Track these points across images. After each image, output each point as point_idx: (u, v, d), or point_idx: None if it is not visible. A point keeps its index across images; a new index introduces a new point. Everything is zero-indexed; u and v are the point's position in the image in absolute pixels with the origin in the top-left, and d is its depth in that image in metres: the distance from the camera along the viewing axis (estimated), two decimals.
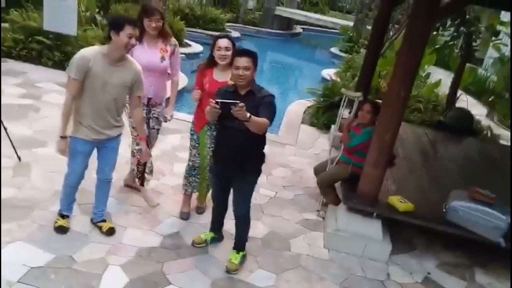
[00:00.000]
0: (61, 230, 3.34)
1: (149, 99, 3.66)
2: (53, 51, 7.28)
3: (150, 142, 3.81)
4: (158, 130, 3.92)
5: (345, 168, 4.11)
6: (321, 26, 20.86)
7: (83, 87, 2.95)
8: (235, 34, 15.33)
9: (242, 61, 2.97)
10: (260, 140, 3.12)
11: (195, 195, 4.00)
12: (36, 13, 7.73)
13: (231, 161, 3.13)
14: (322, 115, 7.08)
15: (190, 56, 10.43)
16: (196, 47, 11.31)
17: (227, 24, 15.69)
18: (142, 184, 3.99)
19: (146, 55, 3.51)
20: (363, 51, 11.46)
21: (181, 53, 10.35)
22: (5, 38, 7.29)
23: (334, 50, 15.93)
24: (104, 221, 3.49)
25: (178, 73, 3.89)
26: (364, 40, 15.06)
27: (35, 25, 7.38)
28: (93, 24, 8.21)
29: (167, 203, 4.05)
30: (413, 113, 7.45)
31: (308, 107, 7.88)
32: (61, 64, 7.20)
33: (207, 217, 3.92)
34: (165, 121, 3.91)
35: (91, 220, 3.53)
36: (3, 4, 7.48)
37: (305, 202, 4.60)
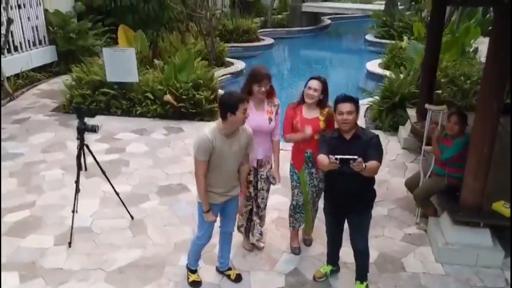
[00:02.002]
0: (195, 284, 3.66)
1: (258, 160, 3.74)
2: (120, 100, 7.70)
3: (259, 205, 3.89)
4: (268, 190, 3.90)
5: (441, 180, 4.20)
6: (349, 15, 20.70)
7: (209, 162, 3.21)
8: (268, 40, 15.44)
9: (346, 106, 3.16)
10: (370, 179, 3.30)
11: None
12: (97, 66, 8.19)
13: (345, 204, 3.34)
14: (386, 117, 7.12)
15: (237, 74, 10.73)
16: (239, 64, 11.47)
17: (259, 31, 15.79)
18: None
19: (255, 119, 3.55)
20: (405, 37, 11.34)
21: (228, 73, 10.50)
22: (73, 95, 7.80)
23: (369, 37, 15.79)
24: (230, 269, 3.78)
25: (279, 132, 3.83)
26: (399, 23, 14.86)
27: (98, 78, 7.83)
28: (147, 66, 8.61)
29: (275, 240, 4.30)
30: (475, 96, 7.33)
31: (366, 108, 7.95)
32: (129, 111, 7.65)
33: (316, 248, 4.15)
34: (273, 184, 3.88)
35: (217, 268, 3.82)
36: None
37: (401, 216, 4.73)
